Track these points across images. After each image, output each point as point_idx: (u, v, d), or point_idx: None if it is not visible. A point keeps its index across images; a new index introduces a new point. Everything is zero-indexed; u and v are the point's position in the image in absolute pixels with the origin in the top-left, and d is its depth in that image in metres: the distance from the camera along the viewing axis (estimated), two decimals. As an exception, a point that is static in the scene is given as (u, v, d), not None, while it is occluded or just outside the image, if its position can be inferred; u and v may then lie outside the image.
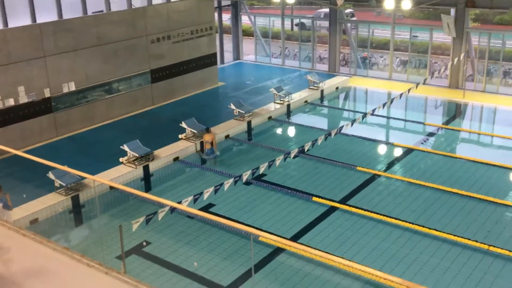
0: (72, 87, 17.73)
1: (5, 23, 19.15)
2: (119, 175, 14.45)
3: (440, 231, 11.91)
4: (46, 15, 19.69)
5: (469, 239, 11.58)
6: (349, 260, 7.92)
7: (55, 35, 17.05)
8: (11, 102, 16.14)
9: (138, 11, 19.91)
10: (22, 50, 16.23)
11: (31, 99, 16.66)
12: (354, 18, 31.18)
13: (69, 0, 20.84)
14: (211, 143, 16.16)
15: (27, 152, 12.39)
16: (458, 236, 11.69)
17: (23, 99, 16.45)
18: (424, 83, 19.24)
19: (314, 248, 8.60)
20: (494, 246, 11.27)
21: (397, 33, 24.93)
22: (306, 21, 30.58)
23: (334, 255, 8.21)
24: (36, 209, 12.70)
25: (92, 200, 13.46)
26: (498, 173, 14.85)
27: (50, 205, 12.95)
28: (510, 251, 11.10)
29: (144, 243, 11.74)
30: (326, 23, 27.56)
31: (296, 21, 32.00)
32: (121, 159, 15.13)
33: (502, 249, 11.19)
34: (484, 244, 11.38)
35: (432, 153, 16.35)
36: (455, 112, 20.58)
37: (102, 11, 21.38)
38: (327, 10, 31.49)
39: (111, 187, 13.61)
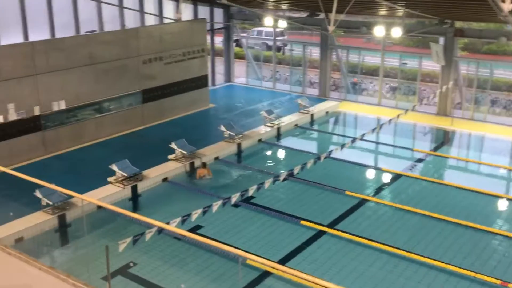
0: (63, 106, 17.70)
1: (-3, 40, 19.20)
2: (107, 195, 14.36)
3: (427, 257, 11.92)
4: (39, 33, 19.76)
5: (456, 266, 11.59)
6: (337, 285, 7.89)
7: (47, 54, 17.08)
8: (0, 119, 16.06)
9: (131, 32, 20.02)
10: (13, 67, 16.21)
11: (21, 116, 16.59)
12: (285, 37, 32.31)
13: (62, 19, 20.94)
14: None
15: (15, 169, 12.29)
16: (445, 263, 11.70)
17: (13, 116, 16.38)
18: (413, 110, 19.44)
19: (302, 272, 8.56)
20: (481, 274, 11.29)
21: (386, 60, 25.24)
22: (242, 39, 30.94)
23: (322, 279, 8.18)
24: (21, 228, 12.55)
25: (79, 220, 13.33)
26: (485, 201, 14.94)
27: (36, 223, 12.81)
28: (496, 278, 11.11)
29: (131, 264, 11.63)
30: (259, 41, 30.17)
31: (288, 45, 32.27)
32: (109, 179, 15.05)
33: (488, 276, 11.21)
34: (471, 271, 11.39)
35: (420, 179, 16.45)
36: (443, 139, 20.77)
37: (95, 31, 21.50)
38: (260, 28, 32.27)
39: (99, 207, 13.51)
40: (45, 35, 20.16)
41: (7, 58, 16.04)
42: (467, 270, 11.43)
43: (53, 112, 17.48)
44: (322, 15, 22.36)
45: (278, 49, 32.03)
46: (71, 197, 13.04)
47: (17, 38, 19.60)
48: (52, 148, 17.60)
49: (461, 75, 22.79)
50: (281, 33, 32.44)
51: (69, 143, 18.07)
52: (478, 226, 13.32)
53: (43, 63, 16.99)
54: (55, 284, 6.63)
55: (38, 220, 12.93)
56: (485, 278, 11.15)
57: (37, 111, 17.01)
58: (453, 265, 11.61)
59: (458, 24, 21.69)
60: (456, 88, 22.57)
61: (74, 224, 13.37)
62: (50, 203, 13.20)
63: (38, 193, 13.19)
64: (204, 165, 16.47)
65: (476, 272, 11.32)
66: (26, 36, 19.92)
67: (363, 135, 16.66)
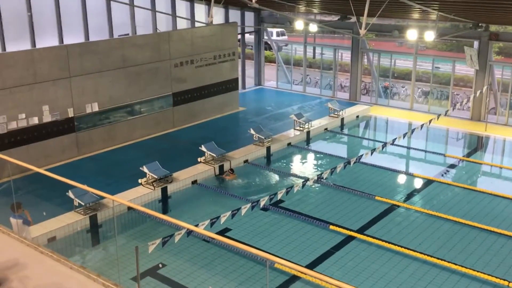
0: (96, 108, 18.00)
1: (33, 43, 19.61)
2: (138, 196, 14.53)
3: (459, 265, 11.70)
4: (73, 37, 20.13)
5: (489, 275, 11.35)
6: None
7: (81, 57, 17.40)
8: (35, 120, 16.43)
9: (163, 36, 20.25)
10: (48, 70, 16.57)
11: (55, 118, 16.94)
12: (285, 37, 32.11)
13: (96, 23, 21.31)
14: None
15: (48, 170, 12.54)
16: (477, 271, 11.46)
17: (47, 118, 16.74)
18: (445, 115, 19.13)
19: (330, 277, 8.50)
20: (515, 283, 11.04)
21: (419, 64, 24.92)
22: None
23: (350, 285, 8.11)
24: (54, 227, 12.80)
25: (110, 220, 13.53)
26: (519, 208, 14.60)
27: (69, 223, 13.05)
28: (531, 288, 10.84)
29: (160, 265, 11.73)
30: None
31: (318, 49, 32.18)
32: (140, 180, 15.24)
33: (523, 286, 10.95)
34: (504, 280, 11.14)
35: (452, 185, 16.17)
36: (476, 144, 20.38)
37: (128, 34, 21.80)
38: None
39: (129, 208, 13.69)
40: (80, 39, 20.52)
41: (42, 61, 16.41)
42: (501, 279, 11.18)
43: (86, 114, 17.80)
44: (353, 19, 22.22)
45: (279, 48, 32.18)
46: (103, 198, 13.24)
47: (52, 41, 20.01)
48: (85, 150, 17.92)
49: (495, 79, 22.34)
50: (282, 33, 32.72)
51: (101, 145, 18.37)
52: (511, 233, 13.04)
53: (77, 66, 17.32)
54: (85, 283, 6.73)
55: (70, 220, 13.16)
56: (519, 287, 10.89)
57: (70, 113, 17.34)
58: (485, 273, 11.37)
59: (493, 27, 21.28)
60: (491, 93, 22.14)
61: (105, 224, 13.57)
62: (82, 203, 13.42)
63: (70, 194, 13.43)
64: (232, 171, 16.55)
65: (509, 281, 11.06)
66: (61, 39, 20.33)
67: (394, 139, 16.46)
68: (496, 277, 11.24)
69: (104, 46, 18.24)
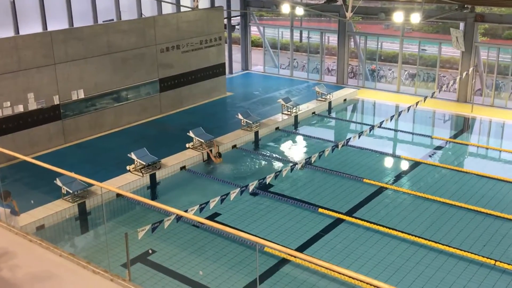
0: (81, 95, 17.84)
1: (17, 30, 19.32)
2: (126, 183, 14.49)
3: (446, 245, 11.85)
4: (57, 23, 19.85)
5: (475, 254, 11.51)
6: (355, 272, 7.88)
7: (66, 43, 17.20)
8: (20, 108, 16.26)
9: (148, 21, 20.05)
10: (33, 57, 16.37)
11: (40, 106, 16.77)
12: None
13: (80, 9, 21.01)
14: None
15: (35, 158, 12.45)
16: (465, 251, 11.62)
17: (33, 105, 16.56)
18: (432, 97, 19.23)
19: (320, 259, 8.57)
20: (501, 261, 11.20)
21: (405, 46, 24.95)
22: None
23: (339, 267, 8.18)
24: (43, 215, 12.74)
25: (98, 208, 13.49)
26: (505, 188, 14.77)
27: (57, 211, 12.99)
28: (517, 266, 11.02)
29: (150, 251, 11.75)
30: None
31: (305, 33, 32.06)
32: (128, 167, 15.18)
33: (508, 264, 11.12)
34: (491, 259, 11.30)
35: (439, 167, 16.31)
36: (463, 126, 20.54)
37: (112, 20, 21.54)
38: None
39: (118, 195, 13.66)
40: (64, 25, 20.23)
41: (26, 48, 16.19)
42: (487, 257, 11.35)
43: (72, 101, 17.64)
44: (339, 2, 22.16)
45: (233, 27, 31.68)
46: (91, 185, 13.19)
47: (36, 27, 19.71)
48: (72, 137, 17.79)
49: (481, 61, 22.46)
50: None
51: (88, 132, 18.24)
52: (497, 213, 13.20)
53: (62, 52, 17.12)
54: (75, 271, 6.73)
55: (59, 208, 13.11)
56: (505, 266, 11.06)
57: (56, 101, 17.18)
58: (472, 253, 11.53)
59: (479, 9, 21.34)
60: (476, 74, 22.26)
61: (93, 212, 13.53)
62: (70, 191, 13.37)
63: (58, 182, 13.36)
64: (219, 155, 16.55)
65: (495, 260, 11.24)
66: (45, 25, 20.02)
67: (381, 122, 16.53)
68: (483, 256, 11.40)
69: (88, 32, 18.03)
